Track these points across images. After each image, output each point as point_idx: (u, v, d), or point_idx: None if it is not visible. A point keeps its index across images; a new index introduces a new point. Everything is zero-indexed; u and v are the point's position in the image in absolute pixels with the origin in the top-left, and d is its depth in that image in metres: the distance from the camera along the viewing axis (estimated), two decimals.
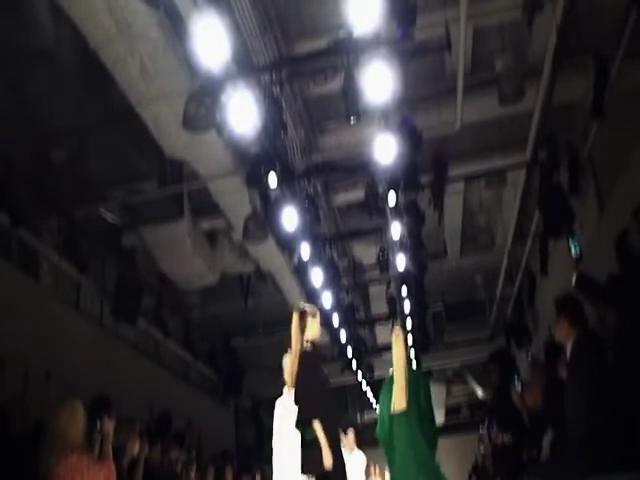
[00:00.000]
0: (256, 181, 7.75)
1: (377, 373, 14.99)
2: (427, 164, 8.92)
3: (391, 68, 6.30)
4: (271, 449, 5.26)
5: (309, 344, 4.90)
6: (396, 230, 9.58)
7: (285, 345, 5.27)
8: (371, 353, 15.14)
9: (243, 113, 6.47)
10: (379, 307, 13.81)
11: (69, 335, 8.54)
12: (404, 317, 13.08)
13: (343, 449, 5.83)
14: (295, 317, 4.97)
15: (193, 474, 8.21)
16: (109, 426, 4.58)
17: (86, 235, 9.22)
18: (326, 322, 12.70)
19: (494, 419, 6.93)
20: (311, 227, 8.97)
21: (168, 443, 7.84)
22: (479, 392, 18.48)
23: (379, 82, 6.33)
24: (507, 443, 6.28)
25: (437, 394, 18.93)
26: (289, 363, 4.95)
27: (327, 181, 9.87)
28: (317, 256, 9.80)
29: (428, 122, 8.35)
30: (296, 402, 4.65)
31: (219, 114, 6.36)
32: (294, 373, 4.79)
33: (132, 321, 9.60)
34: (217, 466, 9.72)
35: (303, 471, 4.56)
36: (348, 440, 7.71)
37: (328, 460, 4.43)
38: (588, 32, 7.19)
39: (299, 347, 4.87)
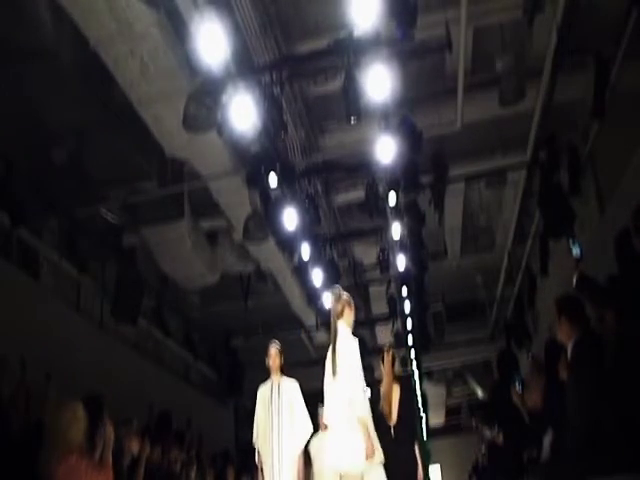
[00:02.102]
0: (256, 181, 7.75)
1: (377, 373, 14.98)
2: (427, 164, 8.93)
3: (391, 68, 6.31)
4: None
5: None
6: (396, 230, 9.58)
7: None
8: (371, 353, 15.13)
9: (243, 113, 6.48)
10: (379, 307, 13.81)
11: (69, 335, 8.53)
12: (404, 317, 13.08)
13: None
14: (388, 356, 6.00)
15: (193, 474, 8.21)
16: (110, 432, 4.57)
17: (86, 235, 9.22)
18: (326, 322, 12.72)
19: (494, 418, 6.92)
20: (311, 227, 8.97)
21: (168, 443, 7.84)
22: (479, 392, 18.49)
23: (379, 82, 6.34)
24: (500, 442, 6.30)
25: (437, 395, 18.94)
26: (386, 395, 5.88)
27: (327, 181, 9.87)
28: (317, 256, 9.80)
29: (428, 122, 8.35)
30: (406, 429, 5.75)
31: (219, 114, 6.36)
32: (394, 406, 5.81)
33: (132, 321, 9.59)
34: (217, 466, 9.73)
35: None
36: (322, 420, 7.73)
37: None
38: (588, 32, 7.19)
39: (392, 382, 5.90)
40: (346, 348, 4.81)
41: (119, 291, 9.22)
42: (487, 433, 6.41)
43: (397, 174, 8.28)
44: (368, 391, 5.07)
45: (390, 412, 5.77)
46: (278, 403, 5.91)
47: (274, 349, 6.14)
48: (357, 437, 4.35)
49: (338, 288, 5.17)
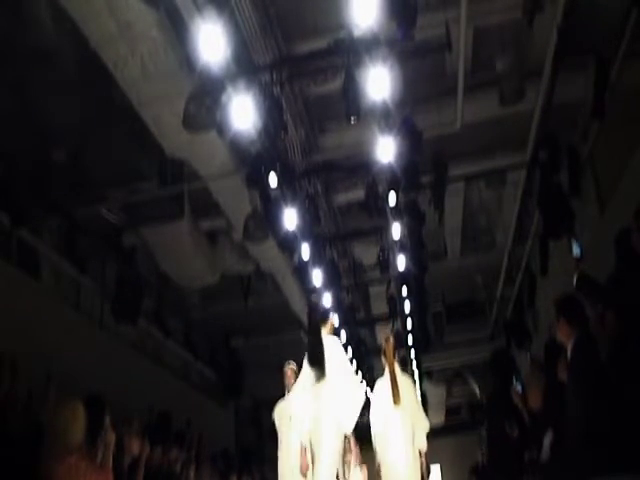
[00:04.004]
0: (256, 181, 7.75)
1: (377, 373, 14.97)
2: (427, 164, 8.92)
3: (391, 68, 6.30)
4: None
5: None
6: (396, 230, 9.57)
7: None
8: (371, 353, 15.14)
9: (243, 113, 6.48)
10: (379, 307, 13.81)
11: (69, 335, 8.53)
12: (404, 317, 13.08)
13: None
14: (389, 345, 6.37)
15: (193, 474, 8.20)
16: (111, 436, 4.57)
17: (86, 235, 9.22)
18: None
19: (494, 417, 6.92)
20: (311, 227, 8.97)
21: (168, 443, 7.84)
22: (479, 392, 18.47)
23: (379, 82, 6.34)
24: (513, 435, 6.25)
25: (437, 394, 18.92)
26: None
27: (327, 181, 9.87)
28: (317, 256, 9.79)
29: (428, 122, 8.35)
30: None
31: (219, 114, 6.36)
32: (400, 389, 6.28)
33: (132, 321, 9.59)
34: (217, 466, 9.73)
35: None
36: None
37: None
38: (588, 32, 7.19)
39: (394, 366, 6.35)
40: (408, 383, 6.32)
41: (119, 291, 9.22)
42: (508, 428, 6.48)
43: (397, 174, 8.27)
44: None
45: (398, 395, 5.96)
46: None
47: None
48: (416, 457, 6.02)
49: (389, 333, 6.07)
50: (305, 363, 5.32)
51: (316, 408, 4.99)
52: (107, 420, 4.67)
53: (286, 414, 6.40)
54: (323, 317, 5.71)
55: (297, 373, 6.23)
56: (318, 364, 5.05)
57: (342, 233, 11.34)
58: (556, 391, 4.79)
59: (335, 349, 5.39)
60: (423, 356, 15.13)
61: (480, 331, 15.97)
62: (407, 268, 10.77)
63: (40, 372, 6.37)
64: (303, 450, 4.90)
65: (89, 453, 4.35)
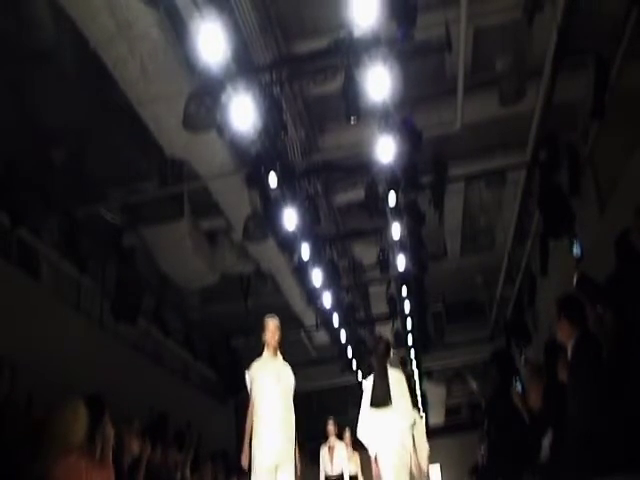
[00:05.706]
0: (256, 181, 7.75)
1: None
2: (427, 164, 8.92)
3: (391, 68, 6.31)
4: None
5: None
6: (396, 230, 9.57)
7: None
8: (371, 353, 15.12)
9: (243, 113, 6.48)
10: (379, 307, 13.80)
11: (69, 335, 8.53)
12: (404, 317, 13.08)
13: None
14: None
15: (188, 471, 8.18)
16: (110, 430, 4.57)
17: (86, 235, 9.21)
18: (326, 322, 12.72)
19: (494, 417, 6.93)
20: (311, 227, 8.97)
21: (167, 444, 7.84)
22: (479, 392, 18.46)
23: (379, 82, 6.34)
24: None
25: (437, 394, 18.92)
26: None
27: (327, 181, 9.87)
28: (317, 256, 9.80)
29: (428, 122, 8.34)
30: None
31: (219, 114, 6.37)
32: None
33: (132, 321, 9.59)
34: (216, 466, 9.72)
35: None
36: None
37: None
38: (588, 32, 7.19)
39: None
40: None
41: (119, 291, 9.22)
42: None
43: (397, 174, 8.28)
44: None
45: None
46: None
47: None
48: None
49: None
50: (366, 389, 6.10)
51: (383, 429, 5.82)
52: (106, 415, 4.66)
53: (266, 374, 6.03)
54: (386, 349, 6.25)
55: (280, 329, 6.19)
56: (385, 395, 5.88)
57: (342, 233, 11.34)
58: (556, 391, 4.79)
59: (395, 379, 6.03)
60: (423, 356, 15.13)
61: (480, 331, 15.98)
62: (407, 268, 10.78)
63: (40, 372, 6.36)
64: (375, 461, 5.82)
65: (89, 450, 4.34)
